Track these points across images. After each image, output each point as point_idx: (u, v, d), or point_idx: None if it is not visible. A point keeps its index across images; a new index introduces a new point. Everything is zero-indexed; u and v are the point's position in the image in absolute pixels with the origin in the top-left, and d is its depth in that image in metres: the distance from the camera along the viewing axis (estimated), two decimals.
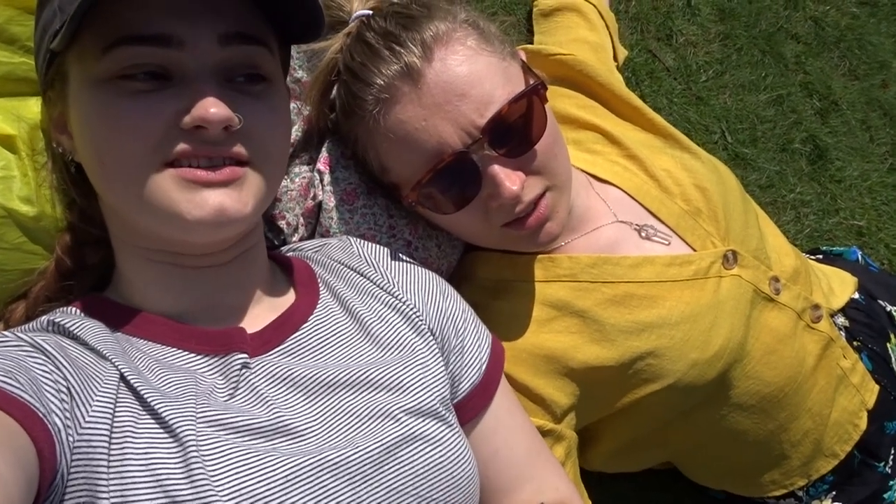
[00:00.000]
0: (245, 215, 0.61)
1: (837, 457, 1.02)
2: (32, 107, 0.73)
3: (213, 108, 0.57)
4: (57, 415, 0.52)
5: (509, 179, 0.75)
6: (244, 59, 0.62)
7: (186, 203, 0.59)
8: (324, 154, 0.87)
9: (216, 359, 0.64)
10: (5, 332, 0.58)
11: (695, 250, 0.92)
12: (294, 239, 0.88)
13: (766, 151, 1.45)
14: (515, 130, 0.77)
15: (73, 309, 0.65)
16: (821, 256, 1.26)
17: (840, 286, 1.09)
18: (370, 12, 0.83)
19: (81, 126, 0.61)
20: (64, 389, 0.54)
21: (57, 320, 0.62)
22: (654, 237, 0.92)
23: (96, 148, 0.60)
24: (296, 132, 0.89)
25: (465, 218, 0.81)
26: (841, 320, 1.05)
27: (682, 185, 0.95)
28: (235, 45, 0.61)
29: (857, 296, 1.09)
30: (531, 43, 1.22)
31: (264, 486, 0.54)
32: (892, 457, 1.04)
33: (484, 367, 0.76)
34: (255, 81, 0.63)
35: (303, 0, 0.61)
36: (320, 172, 0.86)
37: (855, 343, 1.04)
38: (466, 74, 0.74)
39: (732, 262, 0.92)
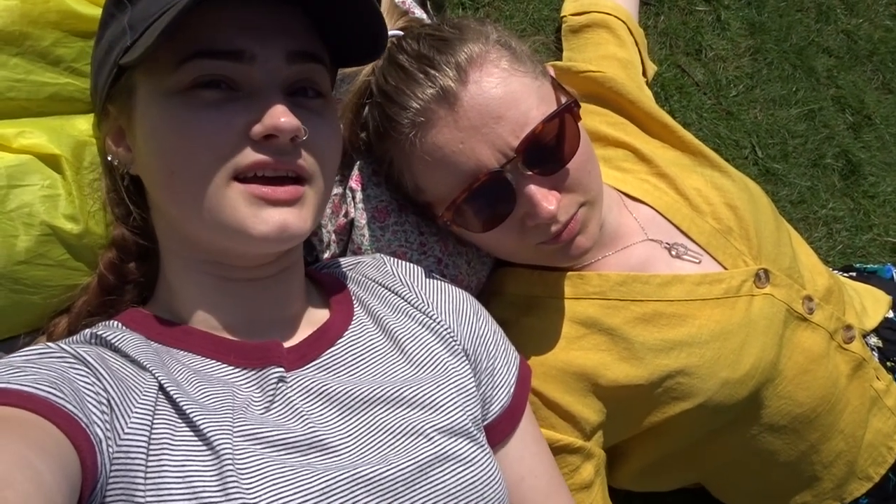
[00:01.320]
0: (305, 231, 0.64)
1: (871, 480, 1.01)
2: (78, 125, 0.75)
3: (283, 117, 0.60)
4: (98, 425, 0.53)
5: (546, 200, 0.76)
6: (306, 76, 0.65)
7: (253, 219, 0.62)
8: (355, 172, 0.88)
9: (253, 372, 0.65)
10: (49, 344, 0.59)
11: (726, 269, 0.91)
12: (326, 255, 0.89)
13: (797, 167, 1.43)
14: (549, 149, 0.77)
15: (115, 322, 0.67)
16: (854, 274, 1.24)
17: (873, 305, 1.07)
18: (401, 33, 0.84)
19: (148, 137, 0.64)
20: (104, 401, 0.55)
21: (99, 333, 0.64)
22: (685, 256, 0.91)
23: (166, 159, 0.63)
24: None
25: (499, 235, 0.81)
26: (874, 340, 1.04)
27: (712, 204, 0.94)
28: (301, 62, 0.64)
29: (891, 315, 1.07)
30: (560, 60, 1.22)
31: (298, 501, 0.55)
32: None
33: (513, 389, 0.76)
34: (314, 97, 0.66)
35: (366, 23, 0.64)
36: (352, 190, 0.88)
37: (889, 363, 1.03)
38: (502, 96, 0.75)
39: (765, 281, 0.91)
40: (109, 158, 0.70)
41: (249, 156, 0.61)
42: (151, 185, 0.67)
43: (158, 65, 0.62)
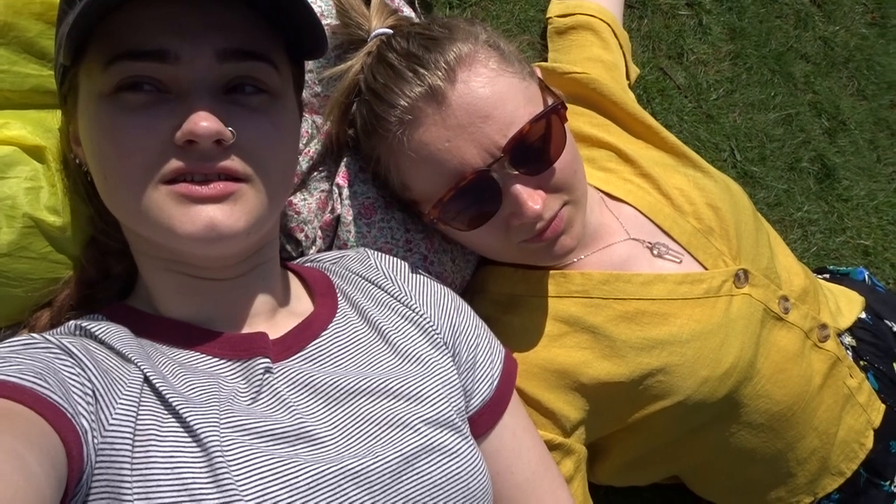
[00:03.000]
0: (236, 231, 0.61)
1: (844, 475, 1.03)
2: (60, 118, 0.74)
3: (203, 121, 0.57)
4: (84, 416, 0.53)
5: (532, 199, 0.77)
6: (244, 74, 0.62)
7: (180, 217, 0.60)
8: (342, 168, 0.89)
9: (239, 363, 0.65)
10: (34, 335, 0.59)
11: (706, 269, 0.93)
12: (312, 251, 0.89)
13: (774, 170, 1.46)
14: (536, 149, 0.78)
15: (100, 315, 0.67)
16: (827, 276, 1.27)
17: (847, 305, 1.10)
18: (390, 31, 0.84)
19: (87, 140, 0.63)
20: (90, 392, 0.55)
21: (84, 324, 0.63)
22: (667, 255, 0.93)
23: (99, 162, 0.62)
24: (315, 146, 0.90)
25: (484, 234, 0.82)
26: (848, 339, 1.06)
27: (694, 204, 0.96)
28: (234, 61, 0.61)
29: (864, 315, 1.10)
30: (545, 60, 1.23)
31: (287, 492, 0.55)
32: None
33: (495, 383, 0.76)
34: (253, 94, 0.63)
35: (306, 19, 0.62)
36: (339, 186, 0.88)
37: (861, 362, 1.05)
38: (489, 96, 0.75)
39: (744, 281, 0.93)
40: (73, 157, 0.69)
41: (171, 163, 0.59)
42: (97, 187, 0.66)
43: (93, 66, 0.60)
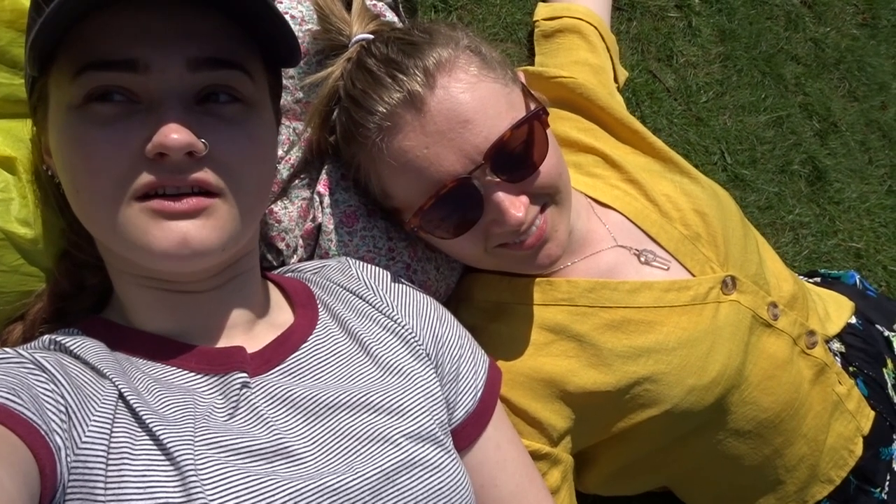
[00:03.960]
0: (209, 246, 0.60)
1: (833, 482, 1.02)
2: (32, 129, 0.73)
3: (174, 133, 0.56)
4: (58, 433, 0.52)
5: (514, 206, 0.75)
6: (217, 83, 0.61)
7: (154, 233, 0.58)
8: (324, 176, 0.87)
9: (216, 378, 0.64)
10: (7, 349, 0.58)
11: (693, 275, 0.92)
12: (293, 260, 0.88)
13: (765, 173, 1.45)
14: (517, 156, 0.77)
15: (74, 329, 0.66)
16: (819, 279, 1.26)
17: (836, 311, 1.09)
18: (371, 37, 0.83)
19: (57, 153, 0.62)
20: (62, 409, 0.54)
21: (58, 339, 0.62)
22: (654, 262, 0.92)
23: (70, 177, 0.60)
24: (296, 154, 0.89)
25: (467, 242, 0.81)
26: (836, 345, 1.06)
27: (681, 210, 0.95)
28: (206, 69, 0.59)
29: (853, 321, 1.09)
30: (531, 64, 1.22)
31: None
32: (888, 482, 1.04)
33: (479, 395, 0.75)
34: (227, 103, 0.61)
35: (279, 28, 0.61)
36: (320, 195, 0.86)
37: (851, 368, 1.04)
38: (469, 102, 0.74)
39: (731, 288, 0.92)
40: (46, 169, 0.68)
41: (144, 177, 0.58)
42: (68, 199, 0.64)
43: (62, 77, 0.59)
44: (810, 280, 1.24)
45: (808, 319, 0.99)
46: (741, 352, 0.90)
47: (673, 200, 0.96)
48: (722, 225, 0.95)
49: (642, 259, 0.92)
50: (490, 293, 0.92)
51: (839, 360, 1.03)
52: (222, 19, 0.61)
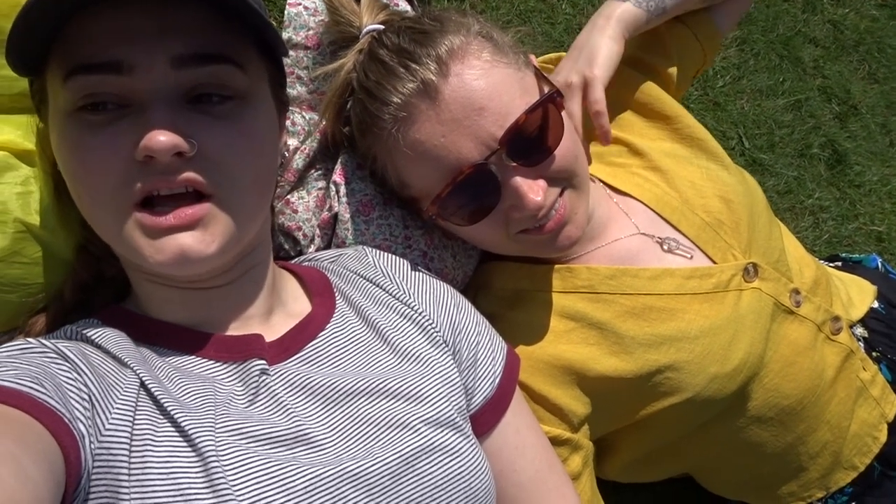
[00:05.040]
0: (208, 255, 0.60)
1: (857, 469, 1.01)
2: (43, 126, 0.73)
3: (161, 136, 0.55)
4: (81, 421, 0.53)
5: (532, 191, 0.75)
6: (207, 79, 0.59)
7: (149, 248, 0.59)
8: (339, 166, 0.87)
9: (235, 365, 0.64)
10: (30, 339, 0.59)
11: (715, 263, 0.91)
12: (310, 250, 0.88)
13: (783, 157, 1.44)
14: (533, 140, 0.76)
15: (95, 319, 0.66)
16: (840, 264, 1.24)
17: (859, 296, 1.08)
18: (381, 27, 0.83)
19: (58, 157, 0.62)
20: (86, 397, 0.55)
21: (79, 329, 0.63)
22: (677, 250, 0.91)
23: (71, 181, 0.61)
24: (312, 144, 0.89)
25: (486, 228, 0.80)
26: (860, 331, 1.04)
27: (705, 197, 0.94)
28: (192, 66, 0.58)
29: (876, 305, 1.08)
30: (542, 47, 1.21)
31: (284, 495, 0.55)
32: None
33: (497, 380, 0.75)
34: (222, 101, 0.60)
35: (257, 19, 0.59)
36: (336, 184, 0.87)
37: (874, 353, 1.03)
38: (483, 88, 0.74)
39: (753, 275, 0.91)
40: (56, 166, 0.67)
41: (137, 185, 0.57)
42: (75, 202, 0.64)
43: (55, 80, 0.58)
44: (831, 264, 1.22)
45: (831, 305, 0.98)
46: (763, 339, 0.89)
47: (697, 187, 0.94)
48: (748, 212, 0.94)
49: (665, 247, 0.91)
50: (508, 281, 0.92)
51: (863, 345, 1.02)
52: (209, 11, 0.59)
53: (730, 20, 1.05)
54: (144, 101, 0.57)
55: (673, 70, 1.01)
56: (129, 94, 0.58)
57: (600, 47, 0.89)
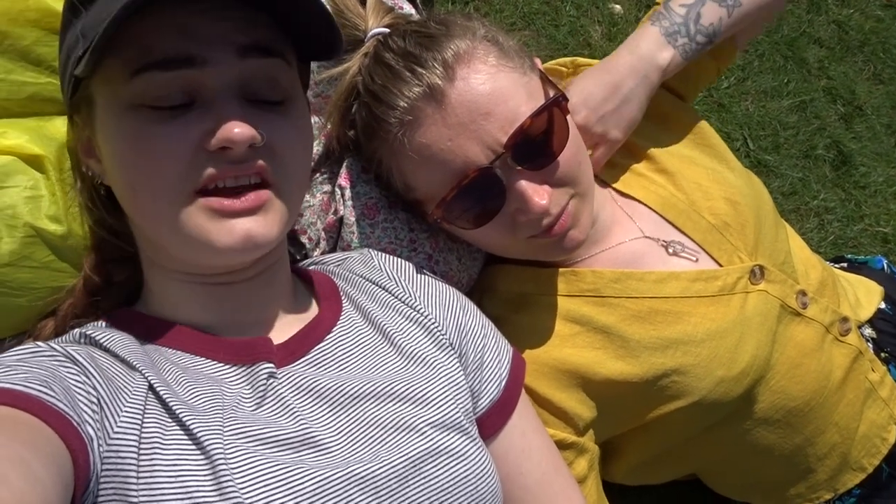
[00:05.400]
0: (272, 239, 0.62)
1: (865, 470, 1.01)
2: (59, 126, 0.74)
3: (237, 127, 0.58)
4: (90, 424, 0.53)
5: (537, 194, 0.75)
6: (263, 72, 0.62)
7: (217, 232, 0.60)
8: (344, 169, 0.88)
9: (243, 368, 0.65)
10: (39, 343, 0.59)
11: (721, 265, 0.91)
12: (316, 253, 0.88)
13: (788, 158, 1.43)
14: (538, 144, 0.76)
15: (104, 322, 0.67)
16: (845, 265, 1.24)
17: (866, 296, 1.07)
18: (387, 30, 0.83)
19: (111, 152, 0.62)
20: (95, 400, 0.55)
21: (88, 332, 0.63)
22: (682, 253, 0.91)
23: (127, 174, 0.61)
24: (317, 147, 0.89)
25: (491, 231, 0.81)
26: (868, 331, 1.04)
27: (711, 199, 0.93)
28: (254, 57, 0.61)
29: (883, 305, 1.08)
30: (549, 53, 1.21)
31: (291, 498, 0.55)
32: None
33: (503, 383, 0.75)
34: (275, 97, 0.63)
35: (322, 22, 0.62)
36: (341, 187, 0.87)
37: (882, 354, 1.03)
38: (490, 92, 0.74)
39: (759, 277, 0.91)
40: (84, 168, 0.68)
41: (207, 170, 0.60)
42: (120, 198, 0.66)
43: (114, 77, 0.60)
44: (837, 266, 1.22)
45: (839, 306, 0.98)
46: (769, 342, 0.89)
47: (703, 189, 0.94)
48: (754, 213, 0.93)
49: (670, 250, 0.91)
50: (514, 284, 0.92)
51: (871, 346, 1.02)
52: (257, 12, 0.63)
53: (749, 36, 1.04)
54: (211, 95, 0.60)
55: (685, 86, 1.02)
56: (196, 88, 0.60)
57: (635, 112, 0.88)
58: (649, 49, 0.88)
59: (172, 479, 0.53)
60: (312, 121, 0.90)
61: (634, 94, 0.87)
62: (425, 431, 0.64)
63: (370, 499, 0.58)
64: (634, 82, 0.87)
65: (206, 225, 0.60)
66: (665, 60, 0.87)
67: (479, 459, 0.65)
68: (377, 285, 0.77)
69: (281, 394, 0.63)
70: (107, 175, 0.65)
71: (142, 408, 0.57)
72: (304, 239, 0.88)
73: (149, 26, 0.58)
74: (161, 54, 0.58)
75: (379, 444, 0.62)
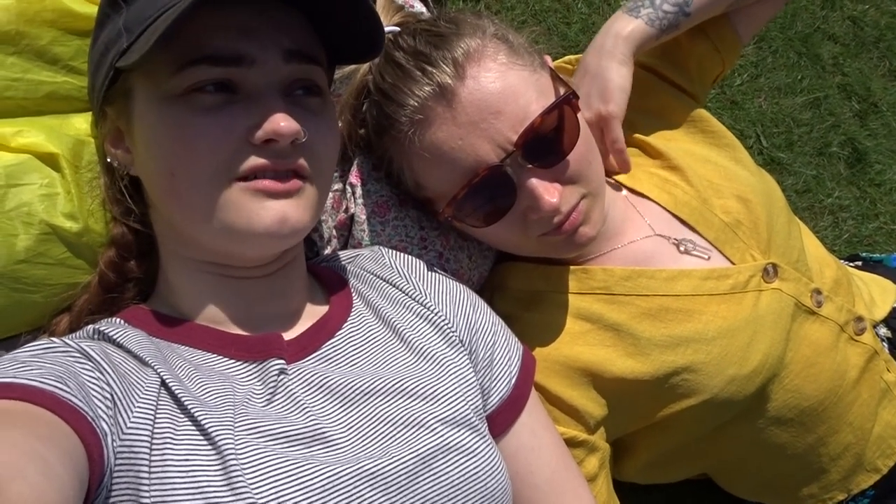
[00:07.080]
0: (304, 225, 0.65)
1: (879, 472, 1.00)
2: (75, 124, 0.75)
3: (283, 122, 0.60)
4: (104, 419, 0.54)
5: (548, 192, 0.75)
6: (303, 75, 0.65)
7: (258, 211, 0.62)
8: (355, 167, 0.88)
9: (254, 365, 0.65)
10: (53, 339, 0.60)
11: (734, 264, 0.90)
12: (327, 251, 0.89)
13: (802, 155, 1.42)
14: (549, 142, 0.76)
15: (117, 319, 0.67)
16: (860, 263, 1.23)
17: (881, 295, 1.06)
18: (397, 29, 0.83)
19: (149, 141, 0.64)
20: (108, 396, 0.56)
21: (101, 329, 0.64)
22: (694, 251, 0.90)
23: (166, 162, 0.63)
24: None
25: (501, 229, 0.81)
26: (883, 331, 1.03)
27: (723, 197, 0.93)
28: (297, 62, 0.64)
29: None
30: (558, 48, 1.21)
31: (301, 494, 0.55)
32: None
33: (513, 381, 0.76)
34: (312, 97, 0.66)
35: (365, 29, 0.64)
36: (352, 185, 0.87)
37: None
38: (500, 90, 0.74)
39: (773, 276, 0.90)
40: (108, 160, 0.70)
41: (250, 160, 0.62)
42: (151, 188, 0.67)
43: (156, 68, 0.61)
44: (851, 264, 1.21)
45: (854, 305, 0.97)
46: (783, 340, 0.88)
47: (715, 186, 0.94)
48: (766, 211, 0.93)
49: (682, 248, 0.90)
50: (524, 282, 0.92)
51: (886, 346, 1.01)
52: (296, 14, 0.65)
53: (752, 28, 1.04)
54: (256, 91, 0.62)
55: (691, 85, 1.01)
56: (242, 84, 0.62)
57: (612, 78, 0.88)
58: (610, 24, 0.91)
59: (183, 475, 0.54)
60: None
61: (602, 66, 0.89)
62: (435, 428, 0.64)
63: (380, 495, 0.58)
64: (598, 58, 0.89)
65: (248, 205, 0.62)
66: (625, 29, 0.89)
67: (489, 456, 0.66)
68: (388, 282, 0.78)
69: (291, 390, 0.63)
70: (136, 165, 0.67)
71: (154, 404, 0.57)
72: (314, 236, 0.88)
73: (200, 22, 0.60)
74: (212, 50, 0.61)
75: (389, 440, 0.62)
